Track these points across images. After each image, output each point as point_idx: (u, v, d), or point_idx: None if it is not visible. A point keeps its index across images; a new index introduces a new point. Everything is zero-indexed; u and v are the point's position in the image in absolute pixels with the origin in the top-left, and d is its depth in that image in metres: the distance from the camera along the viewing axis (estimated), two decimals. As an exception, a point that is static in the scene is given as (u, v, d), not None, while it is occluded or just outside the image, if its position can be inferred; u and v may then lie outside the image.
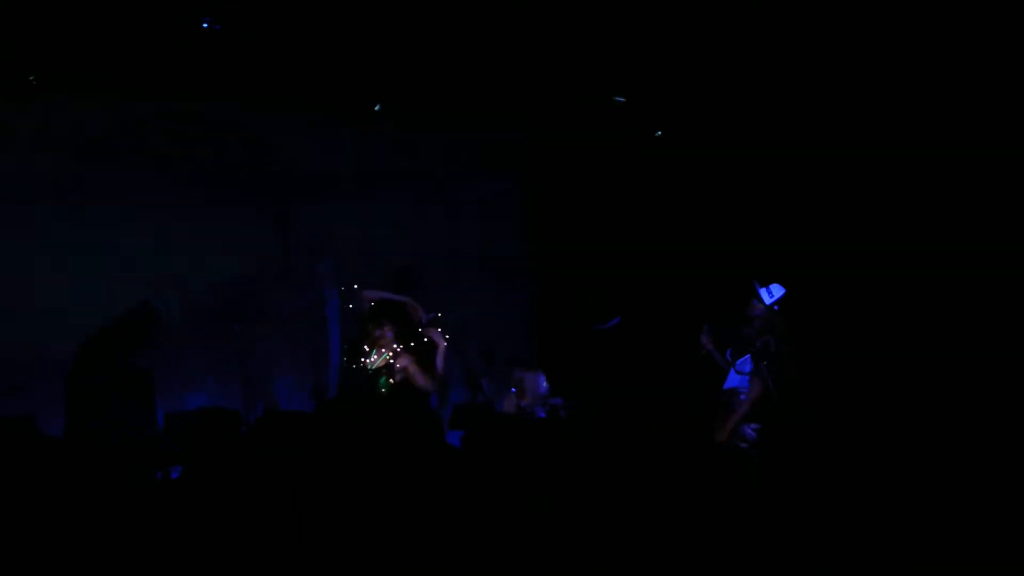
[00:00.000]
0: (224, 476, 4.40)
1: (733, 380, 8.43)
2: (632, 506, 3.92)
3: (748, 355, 8.36)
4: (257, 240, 10.00)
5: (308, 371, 9.90)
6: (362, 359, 8.12)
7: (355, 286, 8.47)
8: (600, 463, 4.28)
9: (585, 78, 9.45)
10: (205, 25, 7.99)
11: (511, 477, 3.77)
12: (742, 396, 8.31)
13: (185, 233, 9.61)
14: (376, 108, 9.83)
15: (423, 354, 8.35)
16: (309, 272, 10.10)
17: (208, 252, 9.72)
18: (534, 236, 11.04)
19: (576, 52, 8.92)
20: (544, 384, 8.20)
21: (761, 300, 8.38)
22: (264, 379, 9.69)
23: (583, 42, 8.78)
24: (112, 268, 9.21)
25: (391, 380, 8.15)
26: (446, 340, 8.36)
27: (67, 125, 9.22)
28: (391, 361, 8.23)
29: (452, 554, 3.48)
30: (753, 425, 8.27)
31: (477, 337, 10.17)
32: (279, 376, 9.91)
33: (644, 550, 3.67)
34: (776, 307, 8.32)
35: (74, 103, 9.12)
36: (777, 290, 8.41)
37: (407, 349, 8.28)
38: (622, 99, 9.78)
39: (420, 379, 8.25)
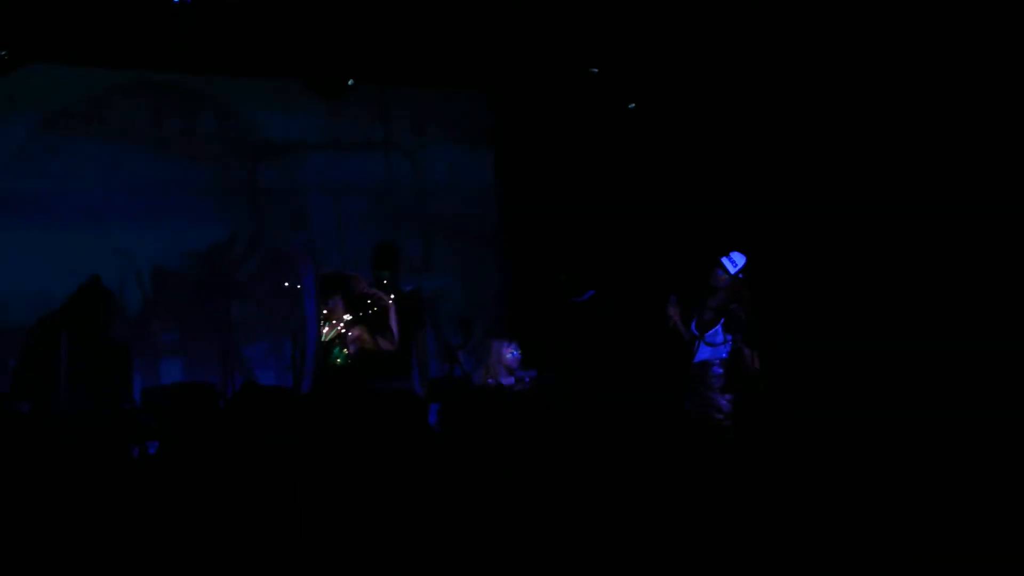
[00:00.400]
0: (203, 452, 4.43)
1: (704, 352, 8.39)
2: (610, 482, 3.94)
3: (718, 327, 8.35)
4: (229, 212, 10.03)
5: (286, 346, 9.91)
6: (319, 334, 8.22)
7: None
8: (575, 437, 4.31)
9: (557, 47, 9.45)
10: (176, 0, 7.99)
11: (486, 452, 3.80)
12: (715, 368, 8.31)
13: (156, 204, 9.64)
14: (350, 83, 9.83)
15: (377, 321, 8.39)
16: (283, 246, 10.10)
17: (179, 224, 9.75)
18: (508, 206, 11.08)
19: (547, 21, 8.91)
20: (514, 353, 8.18)
21: (725, 269, 8.39)
22: (241, 353, 9.72)
23: (554, 11, 8.77)
24: (82, 240, 9.23)
25: (346, 351, 8.20)
26: (391, 300, 8.41)
27: (35, 95, 9.22)
28: (343, 331, 8.27)
29: (430, 537, 3.51)
30: (727, 396, 8.28)
31: (453, 309, 10.21)
32: (256, 350, 9.97)
33: (625, 528, 3.70)
34: (740, 275, 8.33)
35: (42, 73, 9.09)
36: (739, 258, 8.41)
37: (357, 319, 8.32)
38: (595, 70, 9.78)
39: (380, 343, 8.29)
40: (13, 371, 8.28)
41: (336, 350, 8.25)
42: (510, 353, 8.15)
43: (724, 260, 8.41)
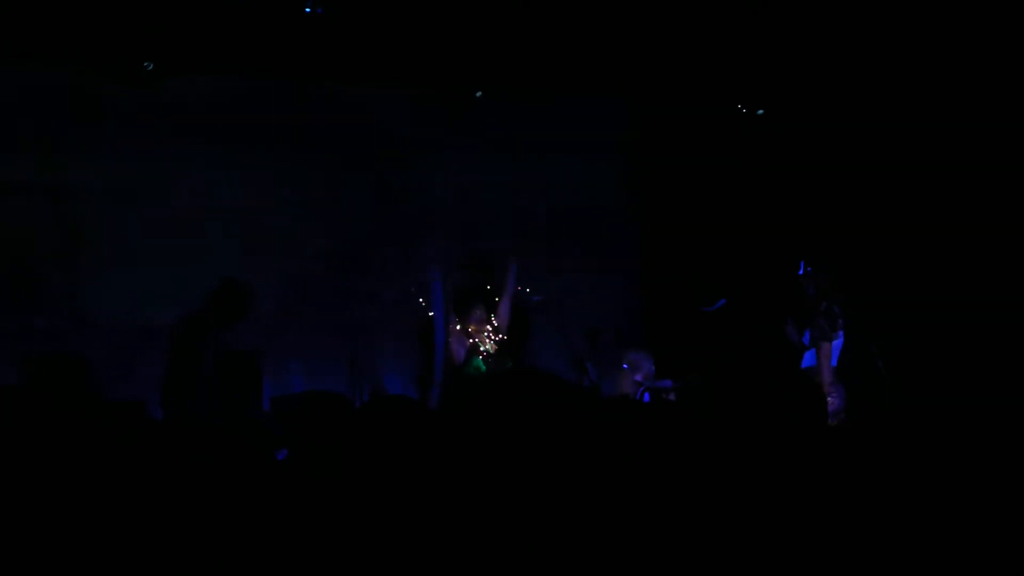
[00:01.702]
0: (336, 458, 4.43)
1: (808, 359, 8.43)
2: (745, 493, 3.84)
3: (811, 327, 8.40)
4: (356, 216, 10.16)
5: (412, 357, 9.96)
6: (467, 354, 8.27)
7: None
8: (712, 449, 4.21)
9: (693, 55, 9.38)
10: (308, 10, 8.11)
11: (623, 464, 3.72)
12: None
13: (285, 208, 9.82)
14: (478, 95, 9.86)
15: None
16: (412, 253, 10.14)
17: (307, 228, 9.92)
18: (639, 214, 11.05)
19: (683, 28, 8.85)
20: (651, 366, 8.17)
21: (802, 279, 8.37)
22: (369, 363, 9.76)
23: (688, 17, 8.71)
24: (213, 244, 9.45)
25: (482, 357, 8.25)
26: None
27: (168, 101, 9.41)
28: (484, 340, 8.34)
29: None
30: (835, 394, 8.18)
31: (581, 318, 10.14)
32: (383, 361, 10.06)
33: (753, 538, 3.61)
34: (810, 269, 8.29)
35: (174, 80, 9.30)
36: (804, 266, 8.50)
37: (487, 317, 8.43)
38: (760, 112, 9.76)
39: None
40: (160, 379, 8.40)
41: (476, 359, 8.29)
42: (645, 365, 8.13)
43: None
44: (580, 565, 3.35)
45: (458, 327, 8.48)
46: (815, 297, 8.36)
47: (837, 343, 8.33)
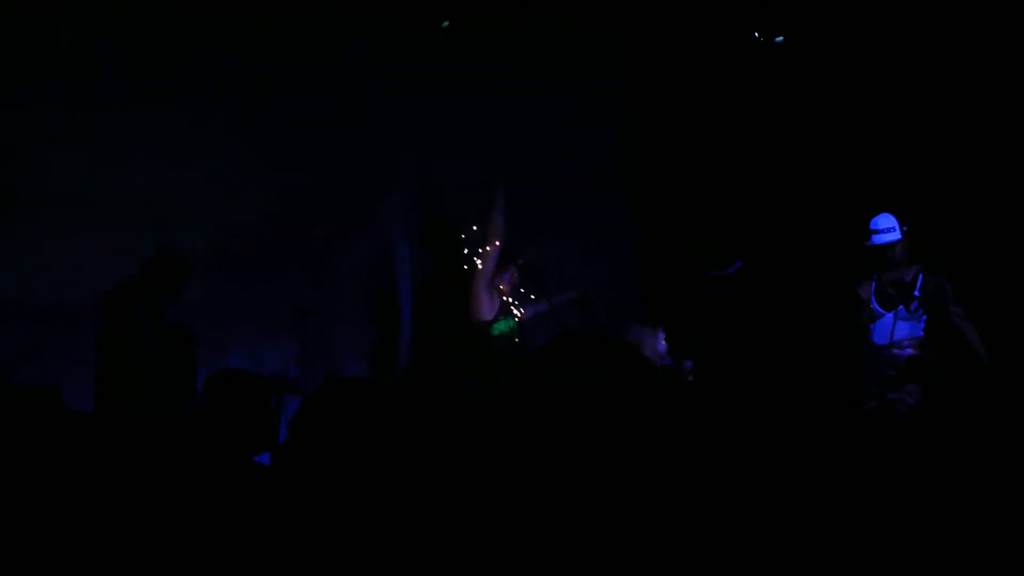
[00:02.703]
0: (282, 455, 4.38)
1: (900, 330, 8.35)
2: (771, 490, 3.80)
3: (911, 298, 8.36)
4: (306, 171, 9.98)
5: (371, 333, 9.90)
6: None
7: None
8: (734, 437, 4.15)
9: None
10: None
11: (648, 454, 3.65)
12: (906, 350, 8.17)
13: (218, 166, 9.67)
14: (445, 25, 9.75)
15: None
16: (370, 214, 10.05)
17: (247, 187, 9.77)
18: (637, 166, 10.93)
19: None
20: (660, 344, 8.17)
21: (889, 240, 8.39)
22: (322, 340, 9.69)
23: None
24: (133, 207, 9.30)
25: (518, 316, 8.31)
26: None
27: (73, 44, 9.25)
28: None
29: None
30: (912, 387, 8.16)
31: (569, 285, 10.06)
32: (338, 338, 9.95)
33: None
34: (906, 228, 8.38)
35: (80, 16, 9.16)
36: (886, 219, 8.44)
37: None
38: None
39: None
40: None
41: (509, 320, 8.35)
42: (651, 342, 8.12)
43: (881, 229, 8.32)
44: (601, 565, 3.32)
45: (487, 279, 8.50)
46: (903, 261, 8.42)
47: (885, 320, 8.36)
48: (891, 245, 8.42)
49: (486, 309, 8.50)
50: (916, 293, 8.31)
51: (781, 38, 10.07)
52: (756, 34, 10.12)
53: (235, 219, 9.73)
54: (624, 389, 3.48)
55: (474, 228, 8.84)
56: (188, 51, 9.55)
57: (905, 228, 8.41)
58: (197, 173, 9.58)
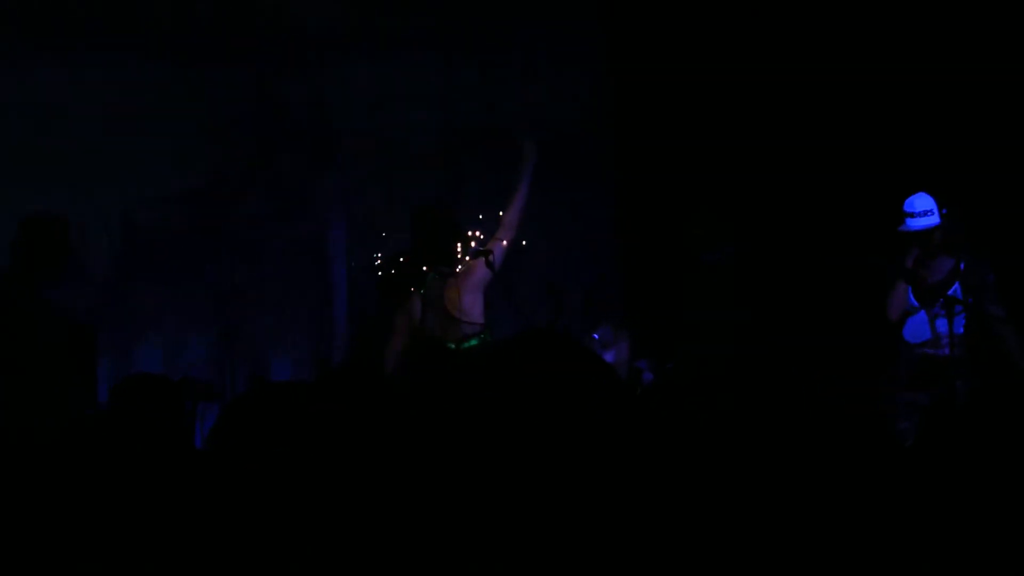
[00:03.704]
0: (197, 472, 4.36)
1: (940, 325, 8.33)
2: (739, 511, 3.86)
3: (950, 290, 8.38)
4: (230, 140, 9.96)
5: (305, 327, 9.87)
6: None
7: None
8: (702, 448, 4.19)
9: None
10: None
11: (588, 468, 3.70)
12: (942, 350, 8.24)
13: (129, 130, 9.58)
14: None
15: None
16: (307, 188, 10.01)
17: (163, 157, 9.71)
18: (617, 132, 10.97)
19: None
20: (624, 348, 8.21)
21: (928, 225, 8.36)
22: (246, 337, 9.65)
23: None
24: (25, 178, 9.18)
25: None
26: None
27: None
28: None
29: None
30: (923, 394, 8.17)
31: (537, 273, 10.04)
32: (267, 332, 9.94)
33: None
34: (944, 211, 8.32)
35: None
36: (923, 201, 8.37)
37: None
38: None
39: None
40: None
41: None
42: (619, 345, 8.16)
43: (917, 212, 8.32)
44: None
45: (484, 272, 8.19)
46: (941, 249, 8.36)
47: (919, 316, 8.40)
48: (928, 232, 8.31)
49: (477, 310, 8.18)
50: (956, 287, 8.28)
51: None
52: None
53: (152, 191, 9.70)
54: (584, 390, 3.52)
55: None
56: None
57: (945, 211, 8.29)
58: (112, 137, 9.55)
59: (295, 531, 3.80)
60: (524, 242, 9.38)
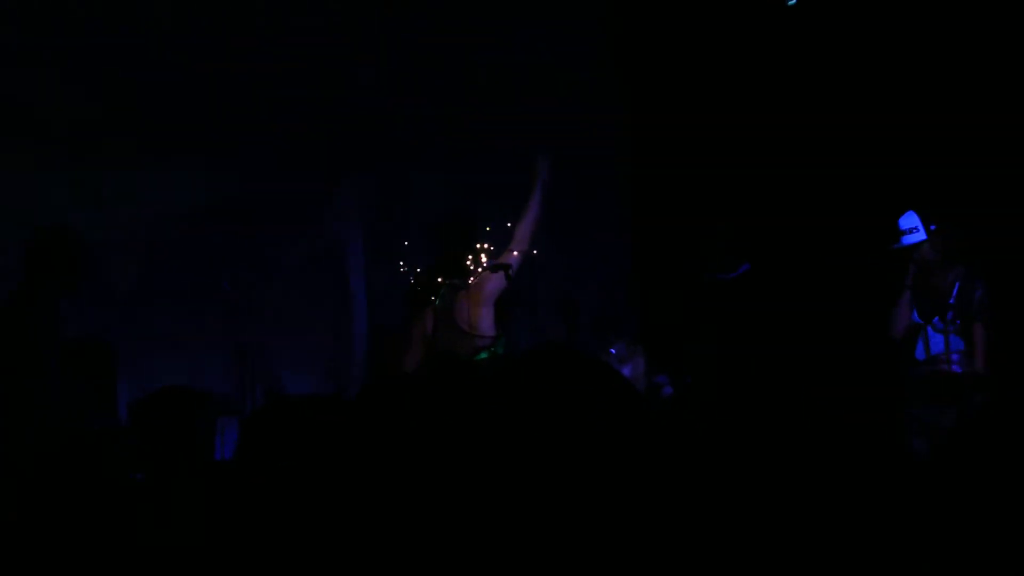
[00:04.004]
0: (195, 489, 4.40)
1: (936, 344, 8.41)
2: (757, 530, 3.87)
3: (949, 304, 8.40)
4: (242, 152, 9.96)
5: (323, 343, 9.88)
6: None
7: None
8: (719, 465, 4.21)
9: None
10: None
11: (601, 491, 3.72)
12: (949, 366, 8.29)
13: (145, 138, 9.57)
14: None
15: None
16: (321, 199, 10.03)
17: (183, 166, 9.73)
18: (632, 149, 10.96)
19: None
20: (641, 364, 8.22)
21: (914, 240, 8.43)
22: (262, 351, 9.67)
23: None
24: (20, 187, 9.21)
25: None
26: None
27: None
28: None
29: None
30: (935, 409, 8.18)
31: (552, 289, 10.07)
32: (282, 348, 9.92)
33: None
34: (932, 227, 8.38)
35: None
36: (909, 219, 8.47)
37: None
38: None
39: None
40: None
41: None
42: (634, 362, 8.17)
43: (905, 230, 8.41)
44: None
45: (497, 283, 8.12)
46: (939, 264, 8.40)
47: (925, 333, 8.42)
48: (916, 247, 8.43)
49: (488, 324, 8.13)
50: (951, 301, 8.33)
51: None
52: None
53: (164, 206, 9.71)
54: (599, 403, 3.56)
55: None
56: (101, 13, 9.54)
57: (933, 227, 8.38)
58: (132, 150, 9.58)
59: (311, 544, 3.84)
60: (537, 255, 9.45)
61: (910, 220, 8.41)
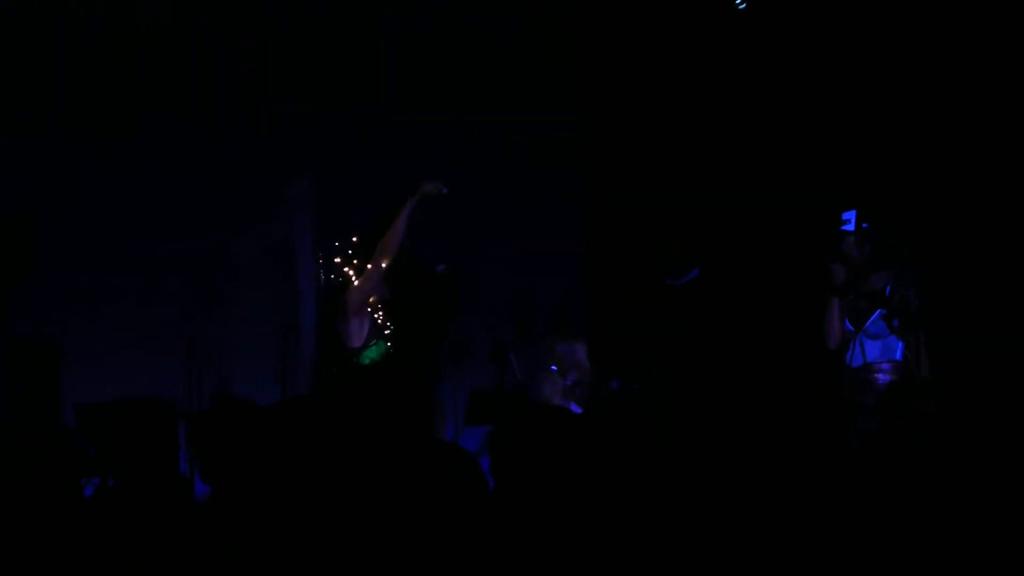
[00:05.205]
0: (159, 493, 4.47)
1: (872, 350, 8.40)
2: (727, 533, 4.00)
3: (876, 313, 8.36)
4: (192, 138, 9.97)
5: (270, 341, 9.88)
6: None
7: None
8: (681, 471, 4.33)
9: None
10: None
11: (553, 493, 3.82)
12: (881, 375, 8.26)
13: (82, 127, 9.63)
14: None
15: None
16: (272, 192, 10.06)
17: (117, 157, 9.76)
18: (582, 146, 11.08)
19: None
20: (583, 356, 8.30)
21: (845, 233, 8.44)
22: (212, 351, 9.67)
23: None
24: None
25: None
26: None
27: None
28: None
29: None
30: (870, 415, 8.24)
31: (504, 291, 10.16)
32: (232, 349, 9.91)
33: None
34: (865, 226, 8.40)
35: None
36: (848, 214, 8.50)
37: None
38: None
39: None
40: None
41: (379, 344, 8.09)
42: (577, 357, 8.23)
43: (844, 220, 8.48)
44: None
45: (362, 300, 8.13)
46: (869, 267, 8.40)
47: (858, 339, 8.43)
48: (844, 237, 8.43)
49: (355, 335, 8.11)
50: (881, 308, 8.35)
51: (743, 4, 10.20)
52: None
53: (110, 196, 9.76)
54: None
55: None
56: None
57: (865, 225, 8.39)
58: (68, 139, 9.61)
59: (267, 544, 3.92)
60: (490, 260, 9.51)
61: (848, 214, 8.40)
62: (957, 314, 8.66)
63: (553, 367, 8.33)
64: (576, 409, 8.11)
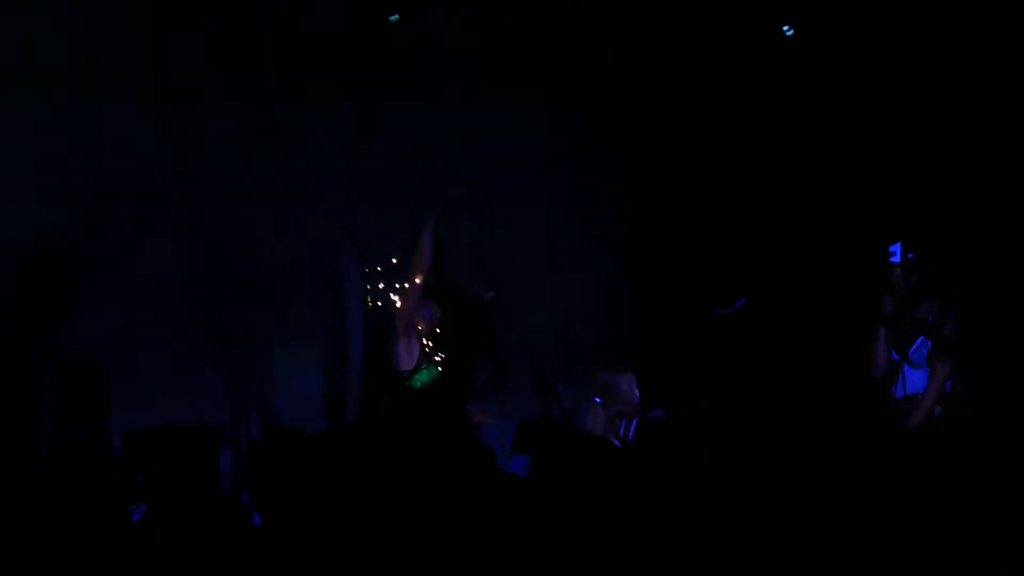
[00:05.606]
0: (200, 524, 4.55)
1: (915, 381, 8.38)
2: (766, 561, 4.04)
3: (919, 340, 8.36)
4: (235, 179, 10.03)
5: (319, 368, 9.92)
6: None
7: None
8: (724, 501, 4.37)
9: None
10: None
11: (596, 520, 3.87)
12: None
13: (138, 170, 9.67)
14: (393, 19, 9.87)
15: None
16: (314, 225, 10.14)
17: (173, 197, 9.79)
18: (630, 184, 11.07)
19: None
20: (633, 390, 8.29)
21: (891, 265, 8.47)
22: (258, 381, 9.71)
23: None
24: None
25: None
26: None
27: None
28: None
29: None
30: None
31: (551, 324, 10.18)
32: (280, 374, 9.94)
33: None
34: (911, 256, 8.45)
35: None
36: (895, 247, 8.53)
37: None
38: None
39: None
40: None
41: (430, 369, 8.12)
42: (623, 390, 8.24)
43: (891, 252, 8.51)
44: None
45: (406, 321, 8.17)
46: (915, 297, 8.40)
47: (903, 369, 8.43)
48: (889, 272, 8.47)
49: (404, 358, 8.07)
50: (924, 336, 8.32)
51: (790, 30, 10.22)
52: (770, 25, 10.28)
53: (159, 235, 9.79)
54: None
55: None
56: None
57: (911, 256, 8.47)
58: (124, 176, 9.65)
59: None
60: (534, 288, 9.52)
61: (895, 247, 8.44)
62: (998, 342, 8.67)
63: (597, 399, 8.35)
64: (616, 441, 8.13)
